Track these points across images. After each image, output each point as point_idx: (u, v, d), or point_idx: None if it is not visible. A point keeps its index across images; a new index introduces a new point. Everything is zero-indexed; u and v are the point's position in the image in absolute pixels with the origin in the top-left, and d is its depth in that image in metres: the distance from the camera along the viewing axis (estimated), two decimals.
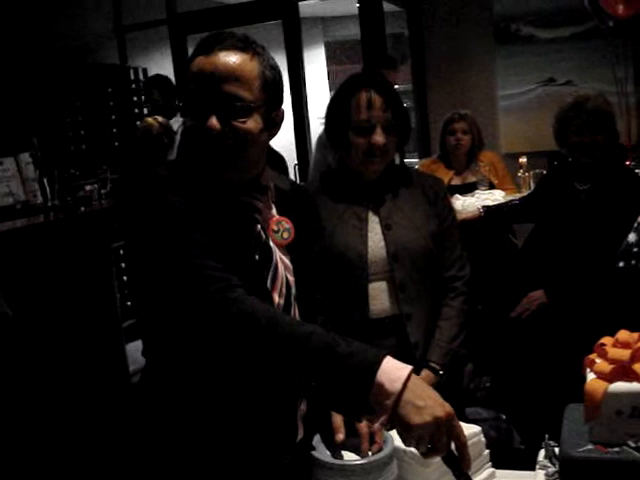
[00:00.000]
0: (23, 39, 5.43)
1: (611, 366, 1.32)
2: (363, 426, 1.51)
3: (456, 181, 4.10)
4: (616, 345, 1.36)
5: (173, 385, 1.50)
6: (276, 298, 1.54)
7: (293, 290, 1.59)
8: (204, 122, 1.41)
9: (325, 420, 1.55)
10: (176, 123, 4.82)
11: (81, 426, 3.62)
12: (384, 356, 1.20)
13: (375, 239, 2.08)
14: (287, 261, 1.58)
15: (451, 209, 2.26)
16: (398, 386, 1.16)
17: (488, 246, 3.70)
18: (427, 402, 1.16)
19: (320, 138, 3.94)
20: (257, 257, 1.51)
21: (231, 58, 1.41)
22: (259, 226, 1.53)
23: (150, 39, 6.79)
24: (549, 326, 2.94)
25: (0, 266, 3.28)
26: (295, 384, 1.29)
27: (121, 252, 5.37)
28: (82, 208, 4.42)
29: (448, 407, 1.18)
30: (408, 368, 1.19)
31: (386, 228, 2.08)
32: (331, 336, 1.24)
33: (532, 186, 4.14)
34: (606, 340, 1.40)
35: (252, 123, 1.43)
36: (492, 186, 4.08)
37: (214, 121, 1.40)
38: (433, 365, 2.07)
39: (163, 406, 1.51)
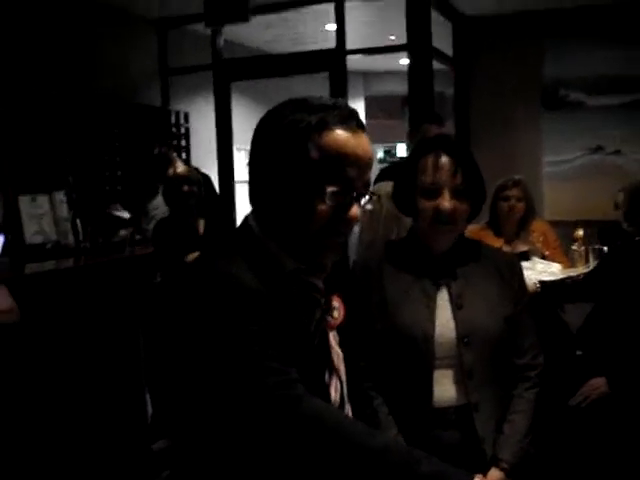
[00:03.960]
0: (67, 74, 5.40)
1: None
2: None
3: (506, 250, 3.90)
4: None
5: None
6: (332, 394, 1.36)
7: (344, 384, 1.41)
8: (345, 209, 1.29)
9: None
10: None
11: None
12: (473, 478, 1.02)
13: (444, 319, 1.88)
14: (338, 349, 1.41)
15: (526, 290, 2.07)
16: None
17: (540, 325, 3.48)
18: None
19: (381, 199, 3.77)
20: (316, 346, 1.33)
21: (369, 144, 1.33)
22: (320, 309, 1.36)
23: (194, 83, 6.76)
24: (611, 417, 2.71)
25: (24, 309, 3.13)
26: None
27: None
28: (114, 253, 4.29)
29: None
30: None
31: (457, 308, 1.88)
32: (408, 451, 1.09)
33: (590, 261, 3.92)
34: None
35: None
36: (544, 258, 3.89)
37: (357, 211, 1.31)
38: (503, 464, 1.84)
39: None
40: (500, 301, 1.93)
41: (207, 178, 5.32)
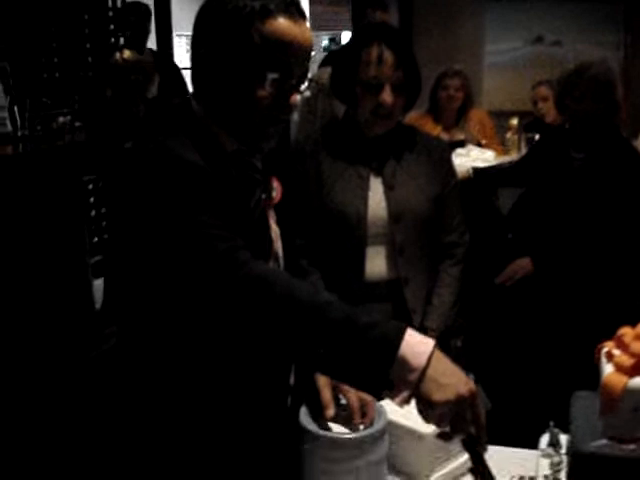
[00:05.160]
0: None
1: (632, 360, 1.26)
2: (354, 399, 1.46)
3: (444, 137, 4.00)
4: (637, 338, 1.30)
5: (155, 357, 1.40)
6: (271, 265, 1.45)
7: (281, 259, 1.52)
8: (284, 95, 1.34)
9: (313, 394, 1.49)
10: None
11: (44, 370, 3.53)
12: (406, 328, 1.13)
13: (376, 199, 1.99)
14: (275, 226, 1.51)
15: (454, 174, 2.18)
16: (422, 361, 1.10)
17: (473, 208, 3.64)
18: (450, 379, 1.11)
19: (323, 87, 3.78)
20: (256, 220, 1.42)
21: (309, 33, 1.37)
22: (260, 188, 1.44)
23: None
24: (535, 296, 2.90)
25: None
26: (309, 356, 1.20)
27: (90, 187, 5.23)
28: (54, 140, 4.24)
29: (471, 384, 1.12)
30: (432, 342, 1.13)
31: (389, 188, 1.99)
32: (350, 307, 1.17)
33: (522, 149, 4.07)
34: (626, 331, 1.34)
35: None
36: (480, 145, 4.02)
37: (298, 97, 1.36)
38: (431, 333, 2.00)
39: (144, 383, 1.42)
40: (429, 183, 2.04)
41: (173, 65, 5.20)
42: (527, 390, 2.78)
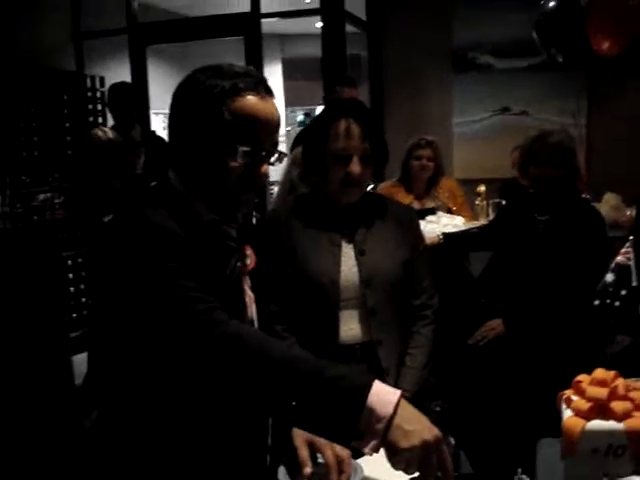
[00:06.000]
0: None
1: (589, 404, 1.34)
2: (331, 456, 1.50)
3: (415, 206, 4.13)
4: (593, 383, 1.38)
5: (136, 418, 1.46)
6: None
7: (255, 322, 1.61)
8: (255, 166, 1.45)
9: (290, 452, 1.53)
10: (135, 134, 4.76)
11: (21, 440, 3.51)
12: (374, 379, 1.20)
13: (348, 264, 2.09)
14: (250, 292, 1.60)
15: (422, 239, 2.29)
16: (389, 410, 1.17)
17: (444, 272, 3.73)
18: (416, 426, 1.18)
19: (295, 159, 3.91)
20: (231, 286, 1.51)
21: (276, 108, 1.49)
22: (235, 256, 1.53)
23: (109, 47, 6.71)
24: (506, 354, 2.97)
25: None
26: (282, 409, 1.27)
27: (69, 262, 5.29)
28: (35, 217, 4.32)
29: (436, 431, 1.19)
30: (398, 392, 1.20)
31: (360, 254, 2.09)
32: (320, 361, 1.25)
33: (490, 214, 4.20)
34: (582, 377, 1.42)
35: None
36: (450, 212, 4.13)
37: (267, 168, 1.48)
38: (405, 393, 2.06)
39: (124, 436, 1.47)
40: (399, 248, 2.14)
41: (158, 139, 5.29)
42: (498, 440, 2.83)
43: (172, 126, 1.50)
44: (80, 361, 4.48)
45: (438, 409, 3.74)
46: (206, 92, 1.42)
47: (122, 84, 4.92)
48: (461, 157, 6.58)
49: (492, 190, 4.70)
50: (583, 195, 3.61)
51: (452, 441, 3.52)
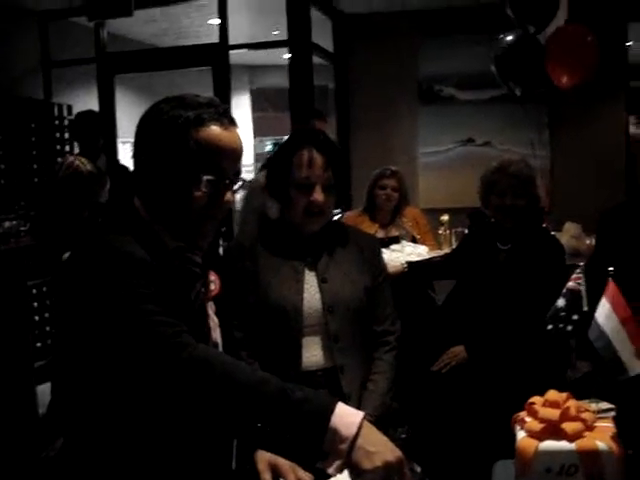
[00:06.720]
0: None
1: (541, 425, 1.39)
2: (289, 473, 1.53)
3: (380, 234, 4.19)
4: (545, 405, 1.43)
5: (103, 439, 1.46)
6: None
7: (220, 346, 1.64)
8: (219, 195, 1.48)
9: (253, 477, 1.56)
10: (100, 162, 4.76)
11: None
12: (337, 402, 1.24)
13: (311, 291, 2.12)
14: (214, 317, 1.63)
15: (384, 267, 2.33)
16: (352, 431, 1.20)
17: (408, 300, 3.78)
18: (378, 447, 1.21)
19: (258, 188, 3.95)
20: (196, 311, 1.54)
21: (239, 138, 1.52)
22: (200, 282, 1.56)
23: (77, 76, 6.73)
24: (469, 381, 3.02)
25: None
26: (248, 431, 1.30)
27: (34, 291, 5.24)
28: None
29: (398, 452, 1.22)
30: (361, 414, 1.24)
31: (322, 281, 2.13)
32: (284, 383, 1.28)
33: (453, 243, 4.27)
34: (535, 399, 1.46)
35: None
36: (414, 241, 4.20)
37: (231, 197, 1.50)
38: (367, 417, 2.09)
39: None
40: (360, 275, 2.18)
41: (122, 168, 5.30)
42: (459, 464, 2.87)
43: (137, 155, 1.52)
44: (44, 390, 4.43)
45: (404, 436, 3.79)
46: (170, 122, 1.46)
47: (88, 112, 4.94)
48: (426, 186, 6.69)
49: (457, 219, 4.78)
50: (544, 225, 3.70)
51: (418, 469, 3.56)
